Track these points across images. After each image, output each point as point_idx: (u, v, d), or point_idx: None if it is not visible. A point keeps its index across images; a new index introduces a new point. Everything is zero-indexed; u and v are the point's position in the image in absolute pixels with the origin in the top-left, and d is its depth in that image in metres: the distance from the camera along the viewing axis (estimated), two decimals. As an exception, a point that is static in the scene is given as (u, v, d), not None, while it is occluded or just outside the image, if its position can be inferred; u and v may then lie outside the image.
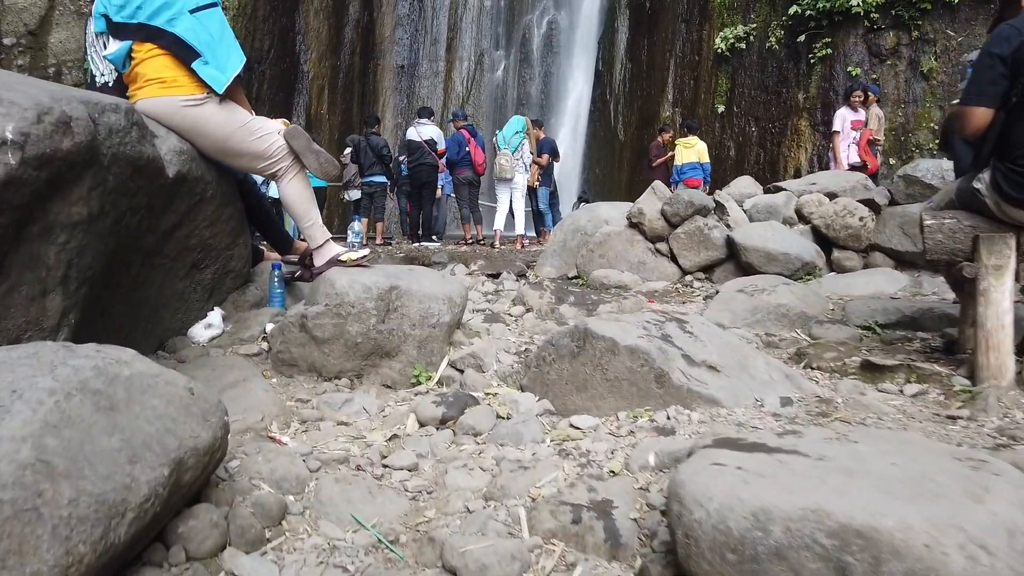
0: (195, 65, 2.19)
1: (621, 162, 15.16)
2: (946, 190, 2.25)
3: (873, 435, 1.38)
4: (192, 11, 2.20)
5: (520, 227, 8.43)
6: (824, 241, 4.03)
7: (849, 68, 10.09)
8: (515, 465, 1.60)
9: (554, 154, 8.86)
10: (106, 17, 2.22)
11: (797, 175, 10.26)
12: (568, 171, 14.80)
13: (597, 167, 16.08)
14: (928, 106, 9.63)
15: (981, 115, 1.93)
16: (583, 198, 11.17)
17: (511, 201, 8.31)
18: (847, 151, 6.71)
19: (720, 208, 4.10)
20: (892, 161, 9.33)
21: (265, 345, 2.30)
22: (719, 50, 12.02)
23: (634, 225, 4.20)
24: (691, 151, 8.42)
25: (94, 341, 1.76)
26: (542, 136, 8.81)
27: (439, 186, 8.86)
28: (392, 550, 1.30)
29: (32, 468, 0.99)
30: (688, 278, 3.95)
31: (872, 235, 3.92)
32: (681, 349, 1.98)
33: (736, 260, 3.82)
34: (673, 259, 4.06)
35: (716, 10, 12.45)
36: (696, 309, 3.14)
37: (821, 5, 10.12)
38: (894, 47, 9.89)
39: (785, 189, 4.56)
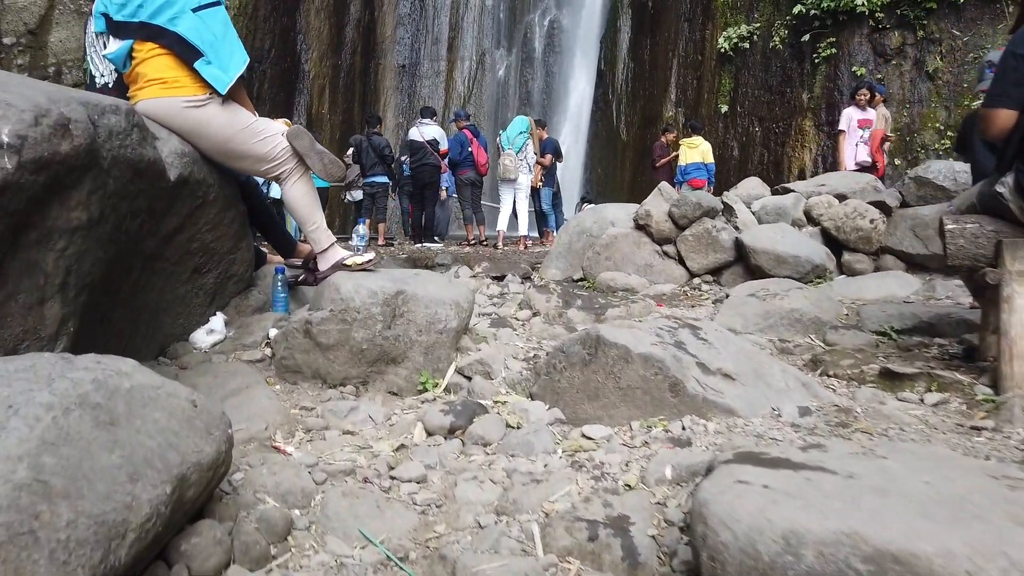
0: (197, 65, 2.14)
1: (623, 162, 15.11)
2: (967, 194, 2.21)
3: (901, 450, 1.33)
4: (195, 10, 2.15)
5: (523, 228, 8.38)
6: (834, 243, 3.98)
7: (854, 68, 10.04)
8: (527, 478, 1.55)
9: (557, 154, 8.81)
10: (106, 16, 2.17)
11: (801, 175, 10.21)
12: (570, 171, 14.75)
13: (599, 167, 16.03)
14: (934, 106, 9.57)
15: (1005, 117, 1.88)
16: (586, 198, 11.11)
17: (514, 202, 8.26)
18: (853, 150, 6.65)
19: (728, 210, 4.05)
20: (897, 162, 9.28)
21: (268, 351, 2.26)
22: (722, 49, 11.97)
23: (641, 227, 4.15)
24: (695, 151, 8.37)
25: (93, 348, 1.72)
26: (545, 136, 8.76)
27: (442, 187, 8.81)
28: (402, 568, 1.26)
29: (29, 489, 0.95)
30: (696, 281, 3.90)
31: (883, 237, 3.87)
32: (695, 357, 1.93)
33: (745, 263, 3.77)
34: (681, 262, 4.01)
35: (719, 9, 12.39)
36: (706, 313, 3.09)
37: (825, 4, 10.06)
38: (899, 47, 9.84)
39: (793, 190, 4.51)
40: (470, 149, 8.13)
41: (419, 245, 8.14)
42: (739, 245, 3.81)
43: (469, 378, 2.20)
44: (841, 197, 4.18)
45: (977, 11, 9.35)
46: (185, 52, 2.14)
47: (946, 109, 9.49)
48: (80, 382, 1.13)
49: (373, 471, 1.61)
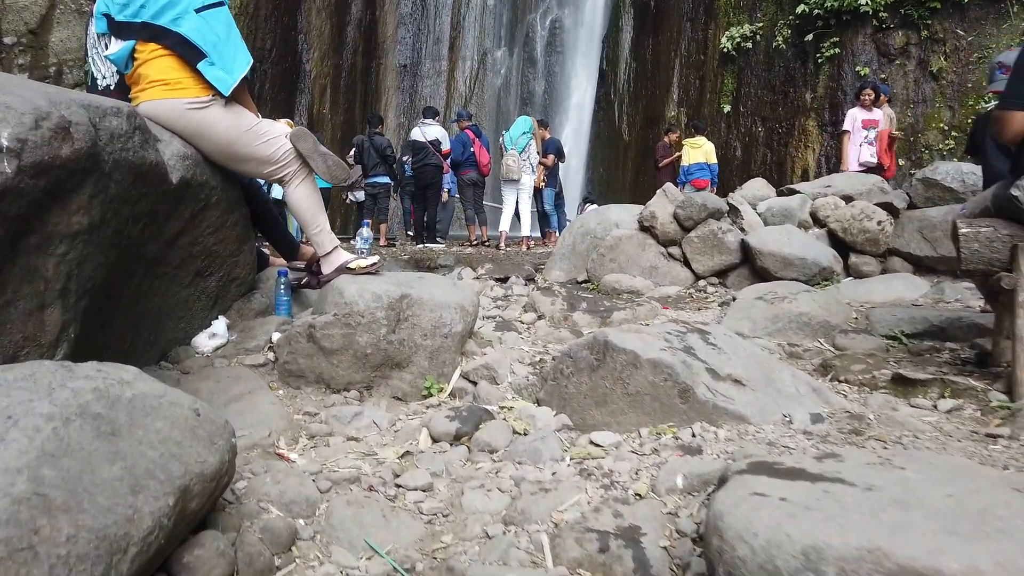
0: (201, 66, 2.11)
1: (625, 162, 15.08)
2: (980, 197, 2.17)
3: (919, 460, 1.30)
4: (198, 10, 2.12)
5: (526, 228, 8.35)
6: (840, 245, 3.95)
7: (857, 68, 10.00)
8: (535, 486, 1.52)
9: (560, 155, 8.78)
10: (108, 17, 2.14)
11: (805, 176, 10.17)
12: (572, 172, 14.73)
13: (601, 167, 16.00)
14: (938, 106, 9.53)
15: (1021, 119, 1.85)
16: (589, 199, 11.08)
17: (517, 202, 8.23)
18: (857, 150, 6.61)
19: (733, 211, 4.02)
20: (901, 162, 9.23)
21: (271, 355, 2.23)
22: (725, 49, 11.93)
23: (646, 228, 4.12)
24: (698, 151, 8.34)
25: (94, 354, 1.70)
26: (547, 136, 8.72)
27: (444, 187, 8.77)
28: (409, 581, 1.23)
29: (28, 503, 0.92)
30: (702, 283, 3.87)
31: (890, 239, 3.84)
32: (705, 362, 1.90)
33: (751, 265, 3.74)
34: (686, 263, 3.98)
35: (722, 9, 12.36)
36: (713, 316, 3.06)
37: (829, 4, 10.02)
38: (903, 47, 9.79)
39: (799, 192, 4.48)
40: (472, 149, 8.10)
41: (421, 246, 8.11)
42: (745, 247, 3.78)
43: (474, 383, 2.17)
44: (847, 198, 4.15)
45: (981, 11, 9.30)
46: (188, 53, 2.11)
47: (950, 109, 9.45)
48: (81, 391, 1.10)
49: (378, 479, 1.59)
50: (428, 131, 8.31)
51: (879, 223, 3.81)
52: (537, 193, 8.58)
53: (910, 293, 3.31)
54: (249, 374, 2.08)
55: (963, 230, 1.99)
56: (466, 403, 2.06)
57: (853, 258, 3.90)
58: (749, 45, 11.63)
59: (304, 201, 2.36)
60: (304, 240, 2.91)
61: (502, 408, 2.00)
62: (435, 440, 1.83)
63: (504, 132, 8.33)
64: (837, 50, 10.23)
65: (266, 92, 13.00)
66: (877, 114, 6.53)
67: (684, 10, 13.42)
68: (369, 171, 8.37)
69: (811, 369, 2.29)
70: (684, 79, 13.36)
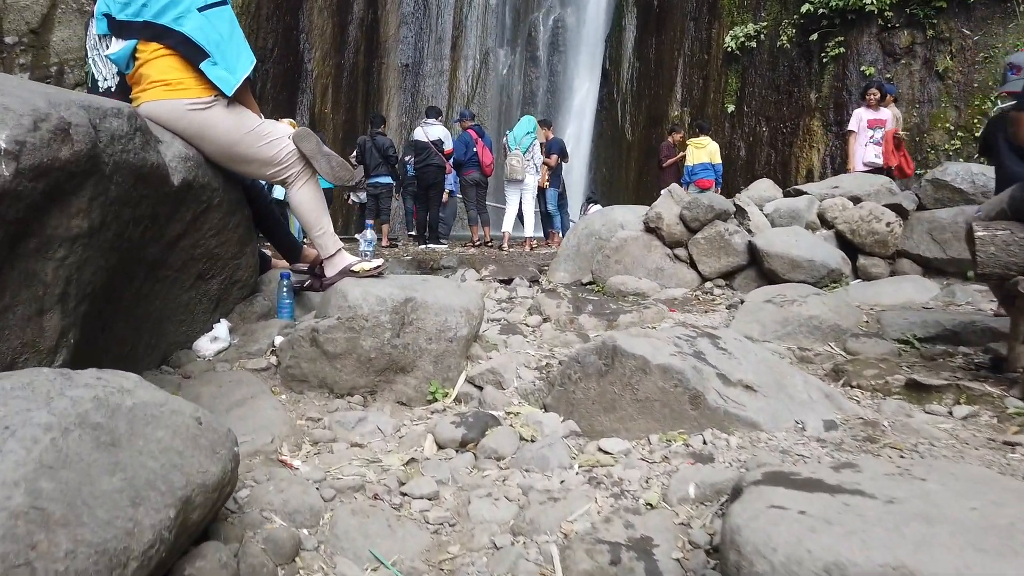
0: (203, 66, 2.08)
1: (628, 162, 15.03)
2: (997, 199, 2.14)
3: (939, 470, 1.26)
4: (201, 9, 2.09)
5: (530, 229, 8.31)
6: (848, 247, 3.91)
7: (863, 67, 9.94)
8: (543, 495, 1.49)
9: (563, 154, 8.74)
10: (108, 17, 2.11)
11: (809, 176, 10.12)
12: (575, 172, 14.69)
13: (604, 167, 15.95)
14: (944, 106, 9.47)
15: None
16: (592, 199, 11.04)
17: (520, 202, 8.19)
18: (862, 150, 6.56)
19: (740, 212, 3.98)
20: (907, 162, 9.18)
21: (274, 359, 2.20)
22: (729, 49, 11.88)
23: (651, 230, 4.09)
24: (703, 151, 8.29)
25: (95, 359, 1.67)
26: (550, 136, 8.68)
27: (447, 188, 8.74)
28: (416, 594, 1.20)
29: (25, 517, 0.90)
30: (708, 285, 3.83)
31: (899, 241, 3.80)
32: (715, 367, 1.87)
33: (758, 267, 3.70)
34: (692, 265, 3.95)
35: (726, 8, 12.30)
36: (720, 319, 3.02)
37: (834, 3, 9.97)
38: (909, 46, 9.74)
39: (806, 192, 4.44)
40: (475, 149, 8.06)
41: (423, 246, 8.08)
42: (752, 249, 3.74)
43: (480, 388, 2.14)
44: (855, 199, 4.11)
45: (987, 10, 9.24)
46: (191, 52, 2.08)
47: (956, 109, 9.39)
48: (80, 400, 1.08)
49: (383, 487, 1.56)
50: (431, 131, 8.27)
51: (888, 224, 3.77)
52: (540, 193, 8.54)
53: (920, 296, 3.27)
54: (251, 378, 2.05)
55: (979, 233, 1.96)
56: (472, 408, 2.03)
57: (861, 260, 3.86)
58: (753, 44, 11.58)
59: (308, 203, 2.33)
60: (306, 242, 2.88)
61: (508, 414, 1.97)
62: (440, 447, 1.80)
63: (508, 132, 8.28)
64: (842, 49, 10.18)
65: (268, 92, 12.98)
66: (884, 114, 6.48)
67: (687, 9, 13.37)
68: (371, 171, 8.34)
69: (822, 374, 2.25)
70: (687, 79, 13.31)
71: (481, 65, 18.22)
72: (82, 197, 1.41)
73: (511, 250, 7.56)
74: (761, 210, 4.23)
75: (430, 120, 8.45)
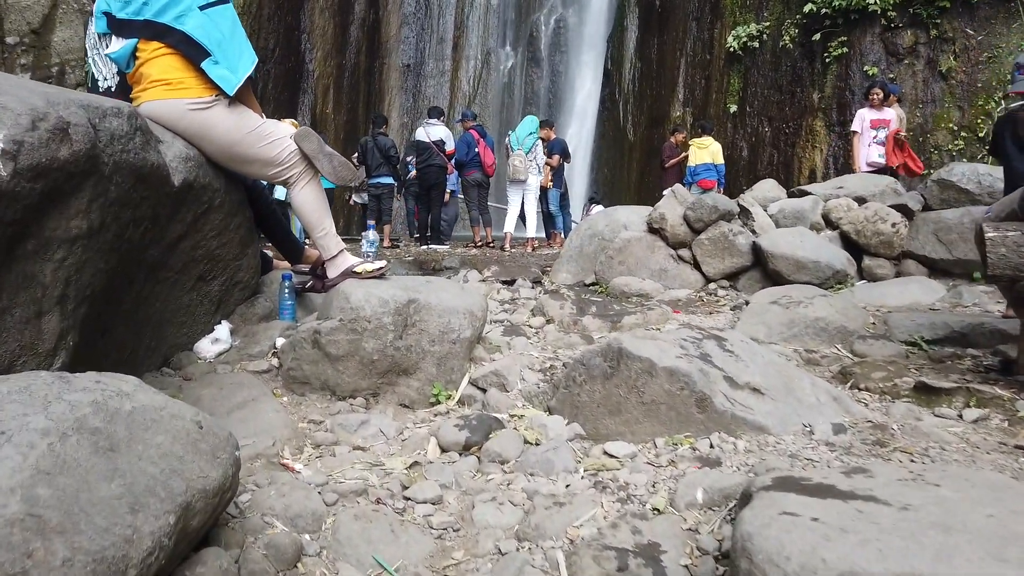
0: (205, 65, 2.06)
1: (630, 163, 15.01)
2: (1007, 200, 2.11)
3: (953, 475, 1.24)
4: (202, 7, 2.07)
5: (532, 230, 8.29)
6: (853, 248, 3.88)
7: (866, 67, 9.91)
8: (549, 500, 1.47)
9: (565, 155, 8.71)
10: (108, 15, 2.09)
11: (812, 176, 10.09)
12: (576, 172, 14.67)
13: (606, 167, 15.93)
14: (947, 106, 9.44)
15: None
16: (594, 199, 11.01)
17: (522, 203, 8.17)
18: (865, 151, 6.53)
19: (744, 213, 3.95)
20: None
21: (275, 361, 2.18)
22: (731, 49, 11.85)
23: (655, 230, 4.06)
24: (705, 152, 8.26)
25: (94, 361, 1.65)
26: (552, 136, 8.65)
27: (449, 188, 8.71)
28: (420, 601, 1.18)
29: (21, 525, 0.88)
30: (712, 286, 3.81)
31: (905, 242, 3.77)
32: (722, 370, 1.85)
33: (763, 268, 3.68)
34: (696, 266, 3.92)
35: (728, 8, 12.28)
36: (725, 321, 3.00)
37: (837, 3, 9.94)
38: (912, 46, 9.71)
39: (810, 193, 4.41)
40: (477, 150, 8.03)
41: (425, 247, 8.06)
42: (756, 250, 3.71)
43: (484, 390, 2.12)
44: (860, 200, 4.08)
45: (991, 10, 9.21)
46: (192, 51, 2.06)
47: (960, 109, 9.35)
48: (78, 404, 1.06)
49: (386, 491, 1.54)
50: (432, 131, 8.25)
51: (893, 225, 3.74)
52: (542, 194, 8.52)
53: (926, 297, 3.25)
54: (253, 381, 2.03)
55: (989, 234, 1.93)
56: (475, 411, 2.01)
57: (867, 261, 3.83)
58: (756, 44, 11.55)
59: (310, 203, 2.31)
60: (308, 243, 2.86)
61: (512, 416, 1.95)
62: (444, 450, 1.78)
63: (510, 132, 8.26)
64: (845, 49, 10.15)
65: (269, 92, 12.97)
66: (887, 113, 6.45)
67: (690, 9, 13.34)
68: (373, 171, 8.32)
69: (829, 376, 2.23)
70: (690, 79, 13.29)
71: (483, 65, 18.21)
72: (81, 198, 1.39)
73: (513, 251, 7.54)
74: (765, 211, 4.20)
75: (432, 120, 8.43)
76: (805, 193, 4.49)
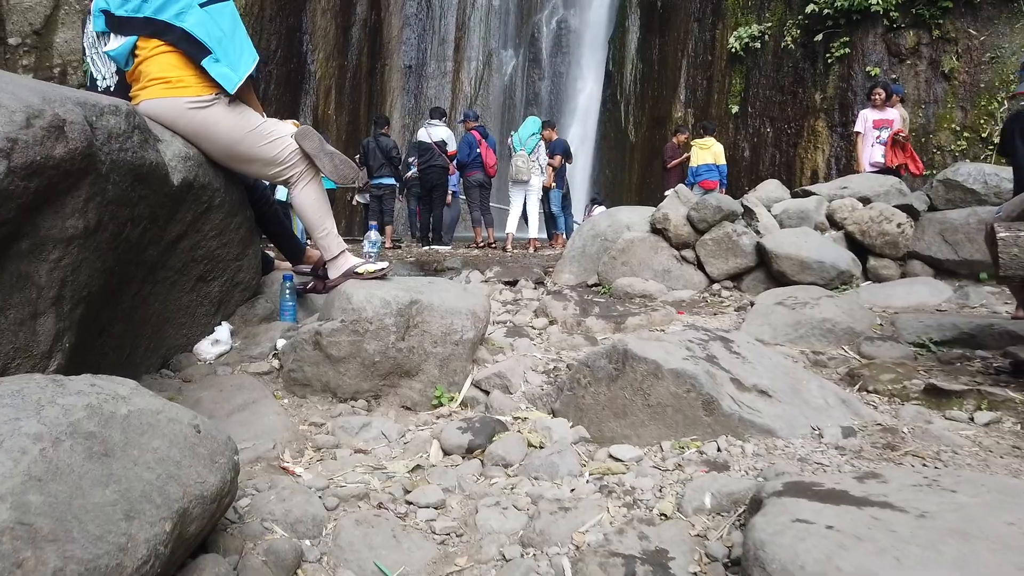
0: (205, 63, 2.04)
1: (632, 163, 14.98)
2: (1019, 199, 2.08)
3: (969, 481, 1.21)
4: (202, 4, 2.04)
5: (534, 230, 8.26)
6: (858, 248, 3.85)
7: (868, 68, 9.88)
8: (553, 504, 1.44)
9: (567, 155, 8.68)
10: (106, 13, 2.06)
11: (814, 177, 10.06)
12: (578, 173, 14.65)
13: (607, 168, 15.91)
14: (950, 107, 9.40)
15: None
16: (596, 200, 10.99)
17: (524, 203, 8.14)
18: (869, 151, 6.49)
19: (748, 213, 3.92)
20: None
21: (276, 363, 2.16)
22: (733, 49, 11.83)
23: (658, 231, 4.03)
24: (707, 152, 8.23)
25: (92, 362, 1.63)
26: (554, 137, 8.63)
27: (451, 189, 8.68)
28: (423, 609, 1.15)
29: (12, 533, 0.85)
30: (716, 287, 3.78)
31: (910, 242, 3.74)
32: (729, 372, 1.82)
33: (767, 268, 3.65)
34: (699, 267, 3.89)
35: (730, 9, 12.26)
36: (730, 322, 2.97)
37: (839, 4, 9.91)
38: (914, 46, 9.68)
39: (815, 193, 4.38)
40: (479, 150, 8.00)
41: (427, 248, 8.03)
42: (760, 250, 3.68)
43: (487, 392, 2.09)
44: (865, 200, 4.05)
45: (994, 10, 9.18)
46: (192, 49, 2.03)
47: (962, 110, 9.32)
48: (72, 408, 1.03)
49: (388, 495, 1.51)
50: (434, 132, 8.22)
51: (899, 225, 3.71)
52: (544, 195, 8.49)
53: (933, 298, 3.21)
54: (253, 382, 2.01)
55: (1001, 234, 1.90)
56: (478, 414, 1.98)
57: (872, 261, 3.80)
58: (757, 45, 11.52)
59: (311, 203, 2.28)
60: (310, 243, 2.83)
61: (516, 419, 1.93)
62: (447, 453, 1.75)
63: (513, 133, 8.23)
64: (847, 50, 10.12)
65: (271, 93, 12.97)
66: (890, 114, 6.41)
67: (691, 10, 13.32)
68: (374, 172, 8.30)
69: (837, 379, 2.20)
70: (691, 80, 13.26)
71: (484, 67, 18.20)
72: (77, 197, 1.37)
73: (515, 252, 7.51)
74: (769, 211, 4.17)
75: (434, 121, 8.40)
76: (809, 193, 4.46)
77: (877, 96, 6.47)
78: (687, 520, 1.37)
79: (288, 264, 2.84)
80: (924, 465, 1.51)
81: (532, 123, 8.04)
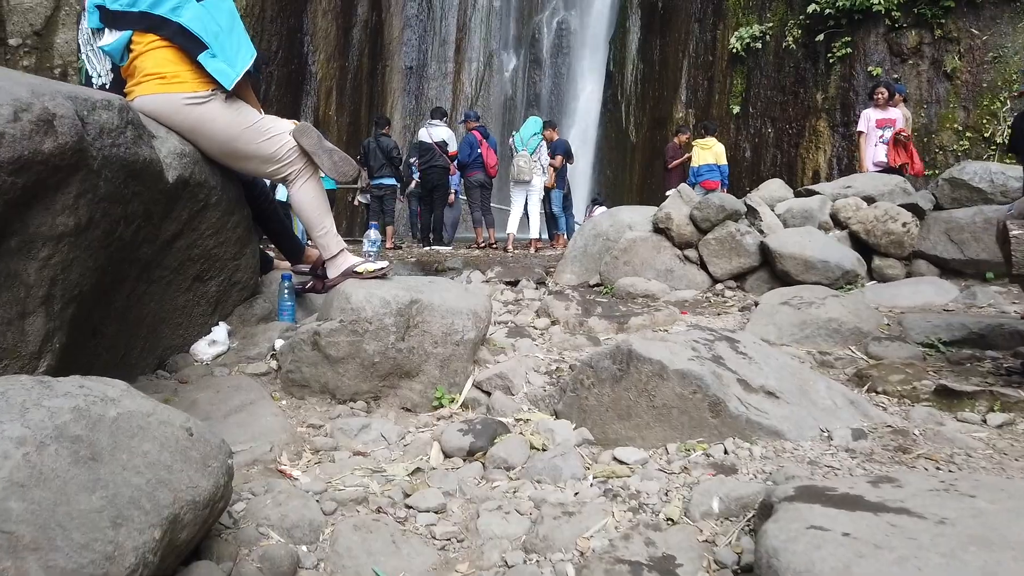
0: (202, 58, 2.00)
1: (633, 164, 14.95)
2: (1031, 196, 2.04)
3: (987, 485, 1.17)
4: (199, -1, 2.01)
5: (535, 231, 8.22)
6: (863, 248, 3.81)
7: (870, 68, 9.85)
8: (557, 509, 1.40)
9: (568, 156, 8.65)
10: (101, 8, 2.03)
11: (816, 177, 10.02)
12: (579, 174, 14.61)
13: (608, 169, 15.88)
14: (952, 107, 9.37)
15: None
16: (597, 200, 10.96)
17: (526, 204, 8.10)
18: (872, 151, 6.45)
19: (752, 213, 3.89)
20: (915, 163, 9.06)
21: (274, 364, 2.12)
22: (734, 50, 11.80)
23: (660, 230, 4.00)
24: (708, 152, 8.19)
25: (85, 363, 1.59)
26: (556, 137, 8.60)
27: (452, 189, 8.65)
28: (422, 618, 1.11)
29: (-9, 541, 0.81)
30: (719, 287, 3.74)
31: (915, 242, 3.70)
32: (736, 373, 1.78)
33: (771, 268, 3.61)
34: (702, 266, 3.85)
35: (731, 9, 12.23)
36: (734, 322, 2.93)
37: (841, 3, 9.88)
38: (916, 46, 9.64)
39: (818, 192, 4.34)
40: (479, 151, 7.97)
41: (427, 248, 8.00)
42: (764, 250, 3.64)
43: (488, 393, 2.06)
44: (869, 199, 4.01)
45: (996, 9, 9.14)
46: (189, 44, 2.00)
47: (965, 110, 9.28)
48: (58, 411, 0.99)
49: (387, 499, 1.48)
50: (435, 132, 8.19)
51: (904, 225, 3.67)
52: (545, 195, 8.46)
53: (939, 298, 3.17)
54: (250, 383, 1.97)
55: (1015, 232, 1.86)
56: (480, 415, 1.94)
57: (877, 261, 3.76)
58: (759, 45, 11.49)
59: (309, 201, 2.25)
60: (310, 243, 2.80)
61: (518, 421, 1.89)
62: (447, 455, 1.72)
63: (514, 133, 8.20)
64: (849, 50, 10.09)
65: (272, 94, 12.95)
66: (893, 113, 6.38)
67: (692, 11, 13.30)
68: (375, 172, 8.27)
69: (845, 379, 2.16)
70: (692, 80, 13.23)
71: (485, 68, 18.18)
72: (68, 193, 1.33)
73: (515, 252, 7.48)
74: (772, 210, 4.14)
75: (435, 121, 8.37)
76: (813, 192, 4.42)
77: (880, 95, 6.43)
78: (694, 525, 1.33)
79: (287, 264, 2.81)
80: (938, 469, 1.47)
81: (534, 123, 8.01)
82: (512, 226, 8.10)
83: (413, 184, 8.47)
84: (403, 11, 17.56)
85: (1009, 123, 8.44)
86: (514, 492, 1.52)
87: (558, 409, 1.93)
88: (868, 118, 6.52)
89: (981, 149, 8.98)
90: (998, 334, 2.39)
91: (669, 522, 1.36)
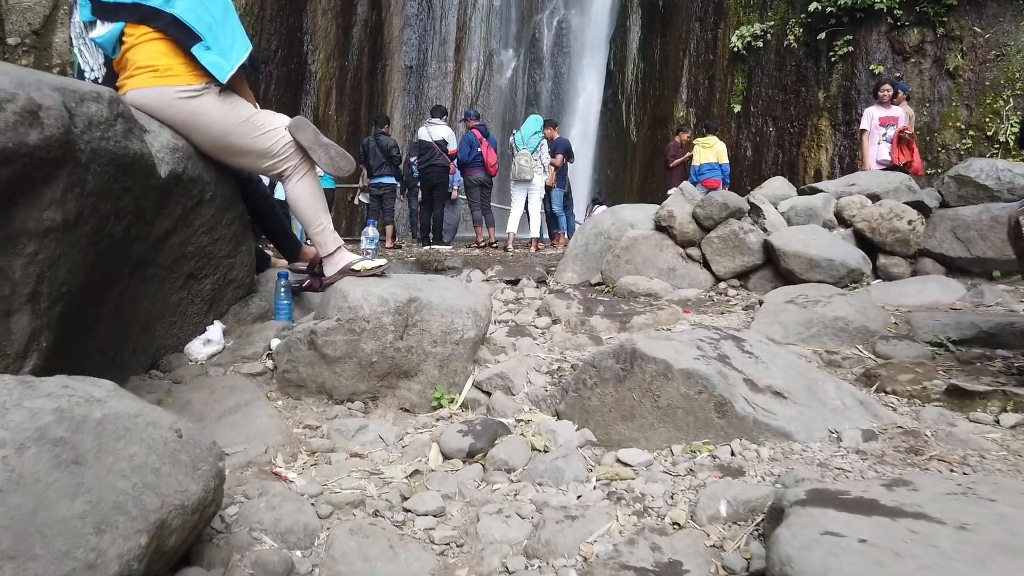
0: (195, 50, 1.96)
1: (633, 163, 14.91)
2: (1044, 191, 2.00)
3: (1007, 488, 1.13)
4: (192, -10, 1.97)
5: (536, 230, 8.19)
6: (868, 246, 3.76)
7: (872, 66, 9.81)
8: (559, 513, 1.36)
9: (568, 154, 8.62)
10: (93, 0, 1.99)
11: (817, 176, 9.97)
12: (579, 173, 14.58)
13: (609, 168, 15.84)
14: (955, 105, 9.32)
15: None
16: (597, 200, 10.92)
17: (526, 203, 8.06)
18: (875, 149, 6.41)
19: (755, 211, 3.84)
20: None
21: (270, 363, 2.08)
22: (735, 49, 11.75)
23: (663, 229, 3.95)
24: (709, 151, 8.16)
25: (76, 362, 1.55)
26: (556, 136, 8.56)
27: (453, 188, 8.61)
28: (420, 628, 1.07)
29: (-35, 550, 0.77)
30: (722, 285, 3.70)
31: (921, 240, 3.66)
32: (742, 372, 1.74)
33: (774, 266, 3.56)
34: (705, 265, 3.81)
35: (732, 8, 12.19)
36: (738, 321, 2.89)
37: (842, 2, 9.84)
38: (918, 44, 9.60)
39: (822, 190, 4.30)
40: (479, 149, 7.93)
41: (427, 247, 7.96)
42: (768, 248, 3.60)
43: (488, 393, 2.02)
44: (874, 197, 3.97)
45: (999, 7, 9.10)
46: (182, 36, 1.95)
47: (967, 108, 9.24)
48: (40, 412, 0.95)
49: (384, 502, 1.44)
50: (435, 131, 8.15)
51: (910, 223, 3.62)
52: (546, 194, 8.43)
53: (946, 296, 3.13)
54: (246, 384, 1.93)
55: (1027, 227, 1.83)
56: (480, 416, 1.90)
57: (882, 259, 3.72)
58: (760, 44, 11.45)
59: (306, 198, 2.20)
60: (308, 242, 2.76)
61: (519, 422, 1.85)
62: (446, 457, 1.68)
63: (515, 132, 8.16)
64: (851, 48, 10.04)
65: (271, 94, 12.91)
66: (896, 111, 6.34)
67: (693, 9, 13.26)
68: (375, 171, 8.23)
69: (853, 379, 2.11)
70: (693, 79, 13.19)
71: (485, 67, 18.15)
72: (55, 187, 1.29)
73: (516, 251, 7.43)
74: (776, 208, 4.09)
75: (435, 120, 8.33)
76: (816, 190, 4.38)
77: (884, 92, 6.39)
78: (701, 529, 1.29)
79: (284, 262, 2.77)
80: (952, 471, 1.43)
81: (534, 122, 7.98)
82: (512, 225, 8.07)
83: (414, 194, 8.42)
84: (403, 10, 17.52)
85: (1014, 120, 8.40)
86: (515, 495, 1.48)
87: (560, 409, 1.89)
88: (871, 116, 6.48)
89: (984, 148, 8.94)
90: (1008, 333, 2.35)
91: (675, 526, 1.32)
